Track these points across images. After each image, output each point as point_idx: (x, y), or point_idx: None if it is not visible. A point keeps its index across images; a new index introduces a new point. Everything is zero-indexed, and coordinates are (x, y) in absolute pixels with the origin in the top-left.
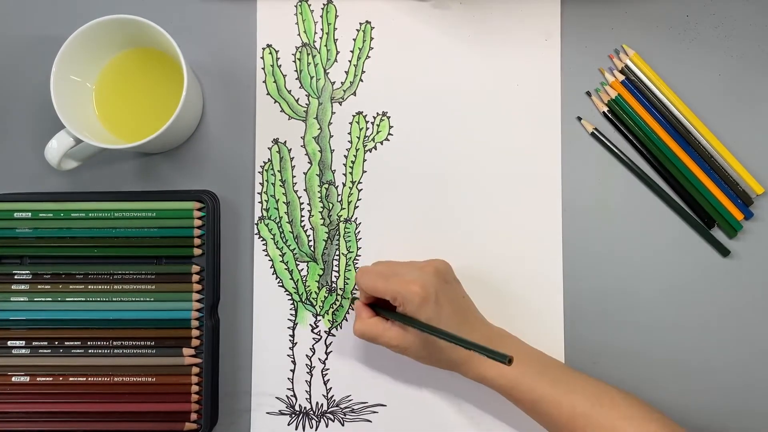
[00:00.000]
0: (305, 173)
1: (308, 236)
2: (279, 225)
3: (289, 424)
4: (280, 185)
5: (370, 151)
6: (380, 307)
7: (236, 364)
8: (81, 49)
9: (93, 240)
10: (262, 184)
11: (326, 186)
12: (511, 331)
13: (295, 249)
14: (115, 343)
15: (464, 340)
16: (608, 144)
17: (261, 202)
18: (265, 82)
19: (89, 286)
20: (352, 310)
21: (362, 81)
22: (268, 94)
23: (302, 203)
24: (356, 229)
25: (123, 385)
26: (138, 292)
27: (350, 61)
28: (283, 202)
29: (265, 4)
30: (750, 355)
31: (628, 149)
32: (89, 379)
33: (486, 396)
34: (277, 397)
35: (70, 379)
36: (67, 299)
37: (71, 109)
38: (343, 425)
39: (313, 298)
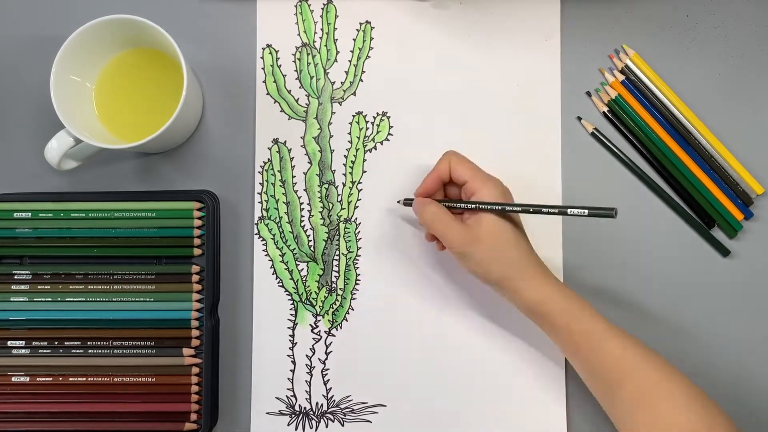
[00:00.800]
0: (305, 173)
1: (308, 236)
2: (279, 225)
3: (289, 425)
4: (280, 185)
5: (370, 151)
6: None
7: (236, 364)
8: (81, 49)
9: (93, 240)
10: (262, 184)
11: (326, 186)
12: (511, 332)
13: (295, 249)
14: (115, 343)
15: (555, 206)
16: (608, 144)
17: (261, 202)
18: (265, 82)
19: (89, 286)
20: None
21: (362, 81)
22: (268, 94)
23: (302, 203)
24: (356, 229)
25: (123, 385)
26: (138, 292)
27: (350, 61)
28: (283, 202)
29: (265, 4)
30: (750, 355)
31: (628, 149)
32: (89, 379)
33: (487, 395)
34: (277, 397)
35: (70, 379)
36: (67, 299)
37: (71, 109)
38: (343, 425)
39: (313, 298)
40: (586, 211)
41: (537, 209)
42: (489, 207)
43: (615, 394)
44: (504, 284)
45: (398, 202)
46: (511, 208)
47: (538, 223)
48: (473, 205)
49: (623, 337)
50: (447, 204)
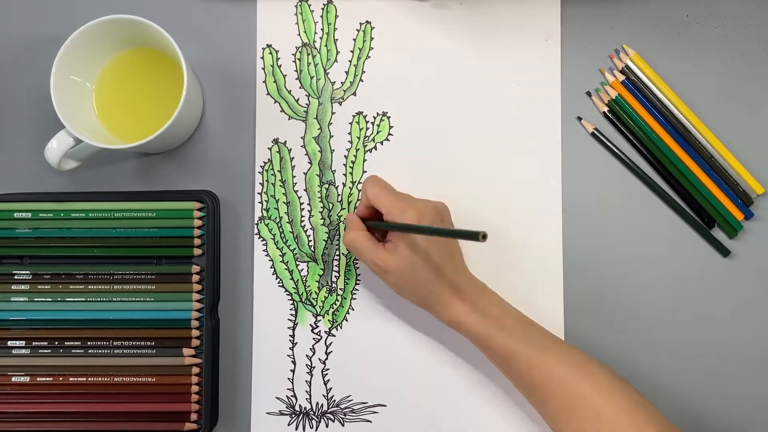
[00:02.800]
0: (305, 173)
1: (308, 236)
2: (279, 225)
3: (289, 425)
4: (280, 185)
5: (370, 151)
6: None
7: (236, 364)
8: (81, 49)
9: (93, 240)
10: (262, 184)
11: (326, 186)
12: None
13: (295, 249)
14: (115, 343)
15: (436, 229)
16: (608, 144)
17: (261, 202)
18: (265, 82)
19: (89, 286)
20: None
21: (362, 81)
22: (268, 94)
23: (302, 203)
24: None
25: (123, 385)
26: (138, 292)
27: (350, 61)
28: (283, 202)
29: (265, 4)
30: (750, 355)
31: (628, 149)
32: (89, 379)
33: (487, 395)
34: (277, 397)
35: (70, 379)
36: (67, 299)
37: (71, 109)
38: (343, 425)
39: (313, 298)
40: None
41: (418, 231)
42: (390, 226)
43: (542, 407)
44: (422, 307)
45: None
46: (401, 228)
47: (539, 223)
48: (382, 227)
49: (545, 351)
50: (368, 225)
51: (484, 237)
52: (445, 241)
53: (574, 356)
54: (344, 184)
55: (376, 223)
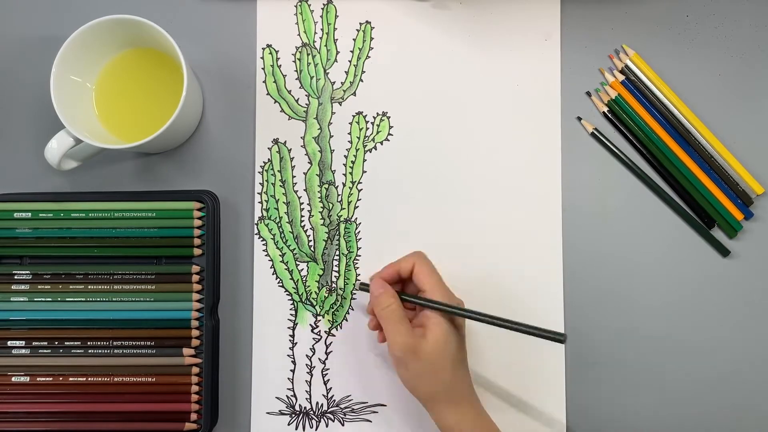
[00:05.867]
0: (305, 173)
1: (308, 236)
2: (279, 225)
3: (289, 424)
4: (280, 185)
5: (370, 151)
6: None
7: (236, 364)
8: (81, 49)
9: (93, 240)
10: (262, 184)
11: (326, 186)
12: (509, 331)
13: (295, 249)
14: (115, 343)
15: (513, 322)
16: (608, 144)
17: (261, 202)
18: (265, 82)
19: (89, 286)
20: (355, 295)
21: (362, 81)
22: (268, 94)
23: (302, 203)
24: (356, 229)
25: (123, 385)
26: (138, 292)
27: (350, 61)
28: (283, 202)
29: (265, 4)
30: (750, 355)
31: (628, 149)
32: (89, 379)
33: (486, 395)
34: (277, 397)
35: (70, 379)
36: (67, 299)
37: (71, 109)
38: (343, 425)
39: (313, 298)
40: (537, 332)
41: (490, 321)
42: (445, 309)
43: None
44: (427, 403)
45: (353, 290)
46: (469, 315)
47: (539, 223)
48: (431, 304)
49: None
50: (403, 297)
51: (565, 339)
52: (462, 341)
53: None
54: (344, 184)
55: (416, 298)
